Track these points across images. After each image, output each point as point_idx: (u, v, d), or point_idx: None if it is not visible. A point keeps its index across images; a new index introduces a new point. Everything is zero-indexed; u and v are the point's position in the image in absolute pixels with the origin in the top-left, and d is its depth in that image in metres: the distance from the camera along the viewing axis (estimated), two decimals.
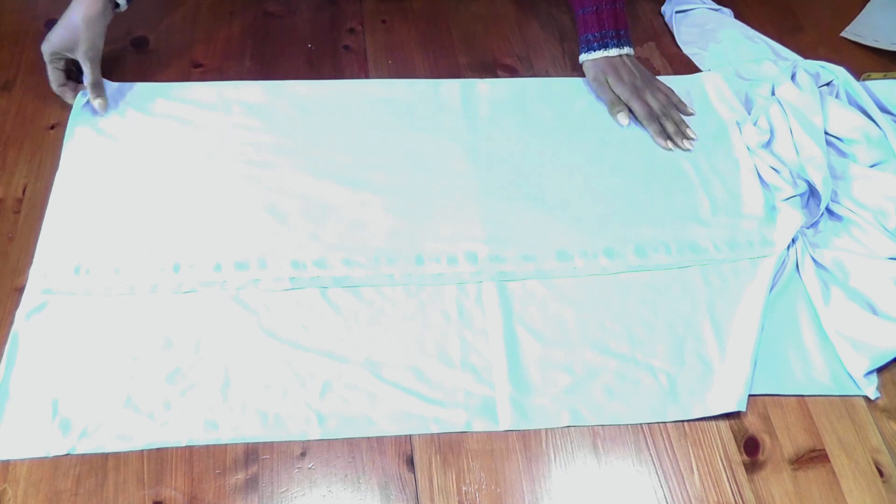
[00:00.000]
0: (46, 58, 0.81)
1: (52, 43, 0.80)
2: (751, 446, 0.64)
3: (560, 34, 0.98)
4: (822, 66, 0.90)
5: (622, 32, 0.88)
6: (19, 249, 0.72)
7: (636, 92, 0.87)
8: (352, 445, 0.62)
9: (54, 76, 0.82)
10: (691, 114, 0.88)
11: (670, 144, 0.85)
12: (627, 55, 0.89)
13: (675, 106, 0.88)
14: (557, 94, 0.90)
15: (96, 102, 0.80)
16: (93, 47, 0.80)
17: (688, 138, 0.85)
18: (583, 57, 0.89)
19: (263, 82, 0.88)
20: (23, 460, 0.59)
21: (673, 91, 0.90)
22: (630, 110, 0.87)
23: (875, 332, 0.69)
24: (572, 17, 0.98)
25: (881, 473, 0.63)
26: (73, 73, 0.84)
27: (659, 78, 0.91)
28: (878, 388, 0.67)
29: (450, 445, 0.63)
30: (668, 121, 0.86)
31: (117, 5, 0.82)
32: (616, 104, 0.87)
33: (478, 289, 0.72)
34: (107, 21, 0.82)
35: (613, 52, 0.88)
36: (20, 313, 0.67)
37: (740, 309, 0.72)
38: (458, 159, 0.82)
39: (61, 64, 0.82)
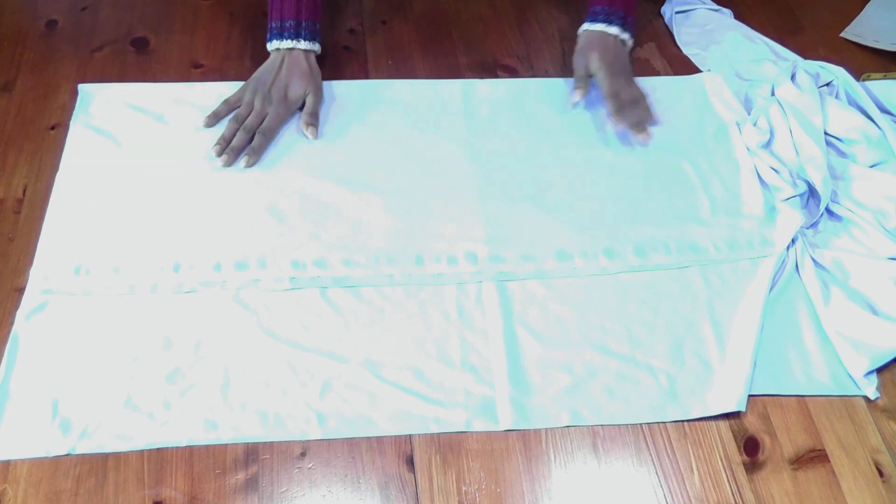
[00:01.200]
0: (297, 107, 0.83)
1: (298, 90, 0.83)
2: (751, 446, 0.64)
3: (560, 34, 0.98)
4: (822, 67, 0.90)
5: (629, 19, 0.87)
6: (19, 250, 0.72)
7: (612, 75, 0.84)
8: (352, 445, 0.62)
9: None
10: (654, 123, 0.86)
11: (621, 125, 0.82)
12: (623, 42, 0.87)
13: (644, 108, 0.85)
14: (557, 94, 0.90)
15: (310, 130, 0.81)
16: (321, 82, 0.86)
17: (643, 133, 0.83)
18: (584, 27, 0.88)
19: None
20: (23, 460, 0.60)
21: (647, 98, 0.86)
22: (592, 94, 0.83)
23: (875, 332, 0.69)
24: (572, 18, 0.98)
25: (881, 473, 0.63)
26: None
27: (658, 78, 0.91)
28: (878, 388, 0.67)
29: (450, 445, 0.63)
30: (634, 112, 0.83)
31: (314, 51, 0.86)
32: (580, 80, 0.85)
33: (478, 289, 0.72)
34: None
35: (614, 30, 0.86)
36: (20, 314, 0.67)
37: (740, 309, 0.72)
38: (458, 159, 0.82)
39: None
